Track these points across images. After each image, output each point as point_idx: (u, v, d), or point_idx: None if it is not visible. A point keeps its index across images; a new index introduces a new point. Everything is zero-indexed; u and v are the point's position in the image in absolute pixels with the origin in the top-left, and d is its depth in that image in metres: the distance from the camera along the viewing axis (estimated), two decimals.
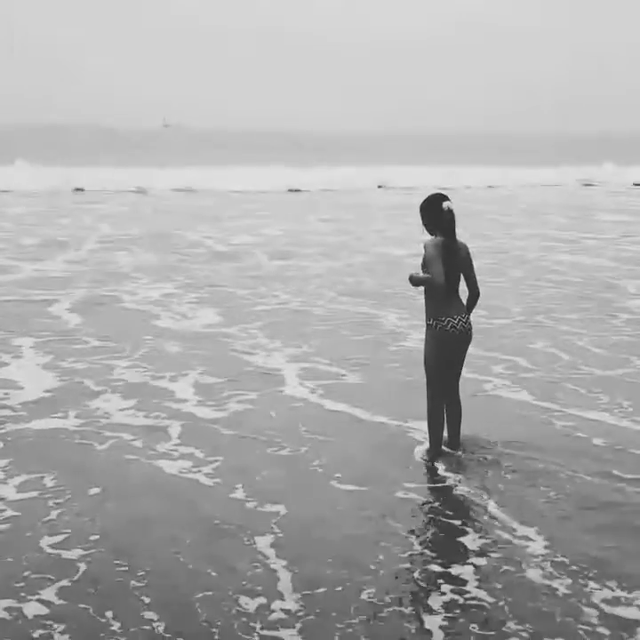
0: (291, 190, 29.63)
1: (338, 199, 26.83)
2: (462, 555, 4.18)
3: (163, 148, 74.00)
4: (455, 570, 4.02)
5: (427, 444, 5.56)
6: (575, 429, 5.97)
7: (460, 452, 5.49)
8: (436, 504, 4.79)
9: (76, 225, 18.37)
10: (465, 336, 5.35)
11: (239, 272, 12.71)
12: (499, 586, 3.87)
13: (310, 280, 12.03)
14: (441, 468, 5.27)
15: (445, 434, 5.55)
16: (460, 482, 5.04)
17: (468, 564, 4.07)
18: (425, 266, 5.22)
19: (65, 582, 3.85)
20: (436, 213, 5.31)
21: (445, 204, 5.27)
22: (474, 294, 5.46)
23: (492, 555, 4.15)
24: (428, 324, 5.38)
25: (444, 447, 5.52)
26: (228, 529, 4.40)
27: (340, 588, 3.82)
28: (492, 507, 4.69)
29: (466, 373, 5.86)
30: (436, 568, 4.05)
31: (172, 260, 13.81)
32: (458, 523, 4.53)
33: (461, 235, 5.38)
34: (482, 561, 4.10)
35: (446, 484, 5.05)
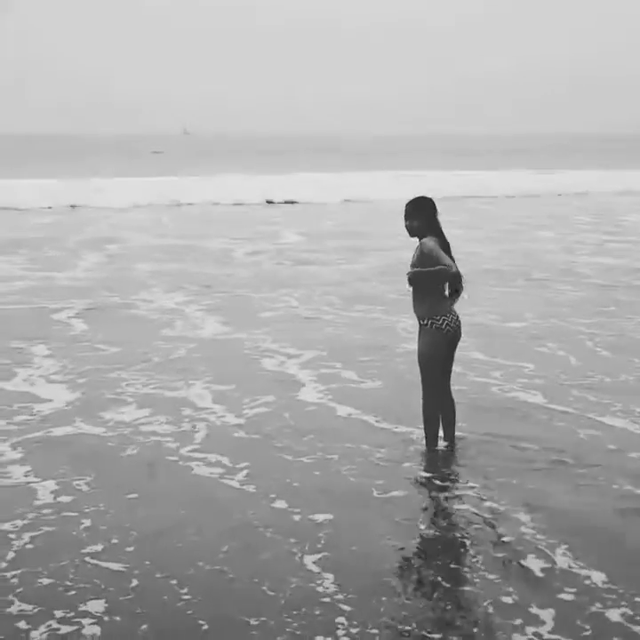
0: (346, 200, 27.40)
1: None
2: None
3: (184, 155, 74.46)
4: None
5: (423, 442, 5.71)
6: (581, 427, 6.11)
7: (456, 446, 5.68)
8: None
9: (100, 235, 18.35)
10: (457, 334, 5.49)
11: (254, 278, 12.76)
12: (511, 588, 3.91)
13: (324, 286, 12.06)
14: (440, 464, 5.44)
15: (440, 430, 5.72)
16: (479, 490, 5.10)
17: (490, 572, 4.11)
18: (422, 264, 5.30)
19: (109, 594, 3.88)
20: (432, 215, 5.42)
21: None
22: (456, 289, 5.52)
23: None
24: (421, 324, 5.48)
25: (440, 442, 5.69)
26: (266, 536, 4.44)
27: (393, 599, 3.85)
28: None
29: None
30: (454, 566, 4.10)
31: (190, 267, 13.88)
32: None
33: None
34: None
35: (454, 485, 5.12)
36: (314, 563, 4.15)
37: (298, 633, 3.56)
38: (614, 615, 3.69)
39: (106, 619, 3.67)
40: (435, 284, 5.37)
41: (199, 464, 5.44)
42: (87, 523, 4.59)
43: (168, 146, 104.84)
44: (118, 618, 3.68)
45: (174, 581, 3.97)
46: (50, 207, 24.46)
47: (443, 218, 5.46)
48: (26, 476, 5.25)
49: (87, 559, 4.18)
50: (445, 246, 5.39)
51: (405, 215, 5.44)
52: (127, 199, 25.78)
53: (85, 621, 3.65)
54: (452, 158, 66.74)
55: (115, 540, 4.37)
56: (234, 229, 19.47)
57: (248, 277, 12.88)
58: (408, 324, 8.96)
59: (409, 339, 8.33)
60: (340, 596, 3.84)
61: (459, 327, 5.49)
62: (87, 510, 4.74)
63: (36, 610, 3.73)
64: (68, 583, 3.95)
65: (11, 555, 4.23)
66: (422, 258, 5.31)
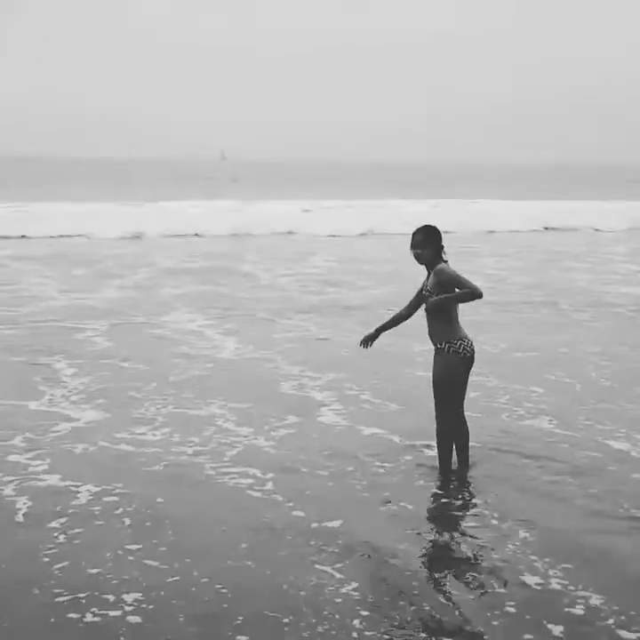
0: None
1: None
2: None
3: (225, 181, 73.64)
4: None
5: (436, 463, 5.89)
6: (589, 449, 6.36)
7: (469, 472, 5.84)
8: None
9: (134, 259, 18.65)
10: (472, 357, 5.65)
11: (277, 301, 13.13)
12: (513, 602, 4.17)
13: (346, 310, 12.37)
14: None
15: (454, 454, 5.87)
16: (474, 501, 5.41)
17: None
18: (444, 290, 5.52)
19: (147, 586, 4.25)
20: (440, 243, 5.65)
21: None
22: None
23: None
24: (437, 348, 5.64)
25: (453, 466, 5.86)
26: (297, 547, 4.74)
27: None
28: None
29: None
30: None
31: (216, 289, 14.30)
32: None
33: None
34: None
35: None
36: (332, 568, 4.48)
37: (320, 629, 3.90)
38: (610, 635, 3.86)
39: (144, 607, 4.04)
40: (454, 306, 5.57)
41: (230, 476, 5.76)
42: (127, 521, 4.99)
43: (217, 171, 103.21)
44: (155, 607, 4.04)
45: (206, 579, 4.32)
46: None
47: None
48: (62, 480, 5.62)
49: (129, 556, 4.54)
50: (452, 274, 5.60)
51: (415, 244, 5.62)
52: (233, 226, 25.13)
53: (128, 609, 4.02)
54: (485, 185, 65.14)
55: (154, 540, 4.74)
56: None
57: (279, 299, 13.22)
58: (424, 349, 9.15)
59: (424, 364, 8.59)
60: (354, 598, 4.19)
61: (474, 351, 5.65)
62: (122, 512, 5.13)
63: (81, 599, 4.11)
64: (109, 575, 4.32)
65: (56, 549, 4.63)
66: (442, 284, 5.51)
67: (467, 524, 5.10)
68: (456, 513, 5.25)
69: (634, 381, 8.40)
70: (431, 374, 5.70)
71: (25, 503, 5.22)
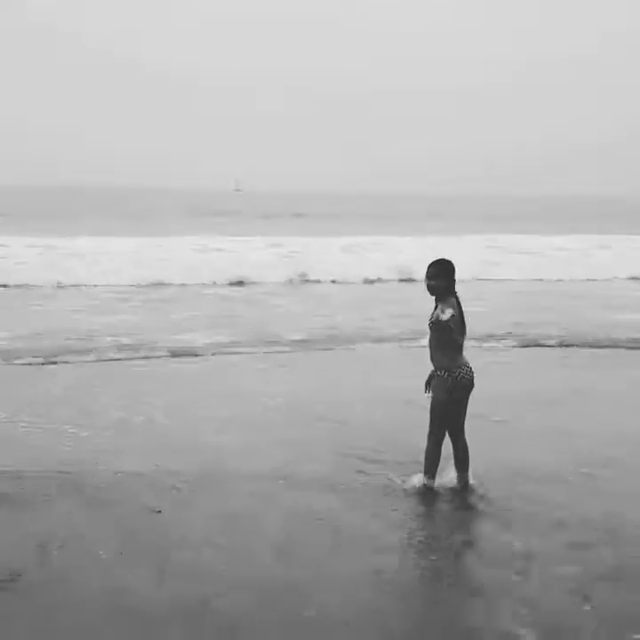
0: None
1: None
2: None
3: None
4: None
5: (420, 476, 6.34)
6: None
7: (471, 482, 6.35)
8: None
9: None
10: (471, 382, 6.09)
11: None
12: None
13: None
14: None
15: (455, 474, 6.36)
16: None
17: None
18: (439, 325, 5.86)
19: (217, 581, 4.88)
20: (453, 277, 6.04)
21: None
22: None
23: None
24: (437, 375, 6.05)
25: (455, 485, 6.34)
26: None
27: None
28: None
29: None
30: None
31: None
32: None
33: None
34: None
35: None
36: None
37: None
38: None
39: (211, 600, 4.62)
40: (455, 336, 5.93)
41: (286, 498, 6.25)
42: (177, 532, 5.56)
43: (239, 204, 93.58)
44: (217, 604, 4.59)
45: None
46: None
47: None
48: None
49: (178, 559, 5.13)
50: (460, 308, 5.99)
51: (430, 275, 5.97)
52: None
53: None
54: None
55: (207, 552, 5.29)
56: None
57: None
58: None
59: None
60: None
61: (473, 378, 6.07)
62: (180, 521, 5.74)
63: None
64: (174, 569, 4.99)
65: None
66: (446, 321, 5.80)
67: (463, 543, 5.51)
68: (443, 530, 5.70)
69: None
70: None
71: None
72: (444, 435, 6.23)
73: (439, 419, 6.15)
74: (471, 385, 6.12)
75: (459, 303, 6.05)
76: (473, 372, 6.12)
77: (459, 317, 5.96)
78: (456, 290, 6.05)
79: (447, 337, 5.97)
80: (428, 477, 6.28)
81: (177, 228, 39.08)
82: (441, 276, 5.97)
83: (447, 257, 6.16)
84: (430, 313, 6.06)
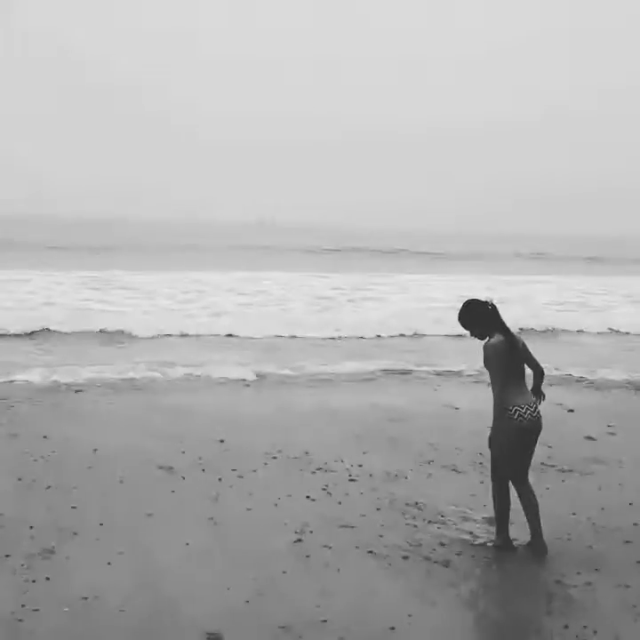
0: None
1: None
2: None
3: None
4: None
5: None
6: None
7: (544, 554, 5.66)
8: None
9: None
10: (534, 425, 5.47)
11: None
12: None
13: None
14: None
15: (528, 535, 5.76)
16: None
17: None
18: (488, 364, 5.49)
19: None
20: (486, 313, 5.56)
21: (488, 299, 5.61)
22: (538, 372, 5.70)
23: None
24: (495, 415, 5.52)
25: (528, 549, 5.72)
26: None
27: None
28: None
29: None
30: None
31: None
32: None
33: None
34: None
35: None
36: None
37: None
38: None
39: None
40: (509, 373, 5.42)
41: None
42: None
43: (272, 238, 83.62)
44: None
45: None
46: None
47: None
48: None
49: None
50: (514, 342, 5.47)
51: (464, 328, 5.63)
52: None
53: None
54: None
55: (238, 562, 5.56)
56: None
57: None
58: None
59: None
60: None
61: (538, 419, 5.47)
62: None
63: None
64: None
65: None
66: (486, 360, 5.49)
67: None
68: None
69: None
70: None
71: None
72: (519, 482, 5.71)
73: (498, 462, 5.72)
74: (534, 427, 5.51)
75: (512, 337, 5.55)
76: (538, 412, 5.54)
77: (506, 347, 5.45)
78: (502, 323, 5.54)
79: (502, 372, 5.47)
80: (503, 538, 5.83)
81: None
82: (474, 323, 5.59)
83: (464, 301, 5.72)
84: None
